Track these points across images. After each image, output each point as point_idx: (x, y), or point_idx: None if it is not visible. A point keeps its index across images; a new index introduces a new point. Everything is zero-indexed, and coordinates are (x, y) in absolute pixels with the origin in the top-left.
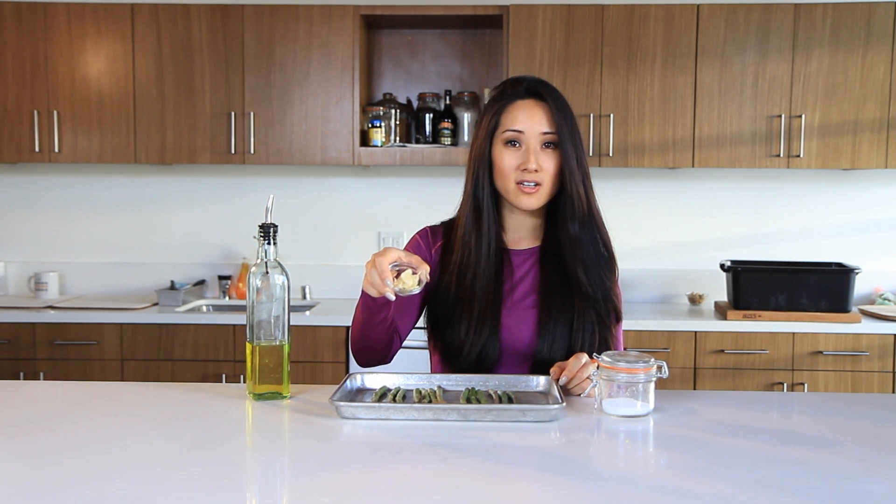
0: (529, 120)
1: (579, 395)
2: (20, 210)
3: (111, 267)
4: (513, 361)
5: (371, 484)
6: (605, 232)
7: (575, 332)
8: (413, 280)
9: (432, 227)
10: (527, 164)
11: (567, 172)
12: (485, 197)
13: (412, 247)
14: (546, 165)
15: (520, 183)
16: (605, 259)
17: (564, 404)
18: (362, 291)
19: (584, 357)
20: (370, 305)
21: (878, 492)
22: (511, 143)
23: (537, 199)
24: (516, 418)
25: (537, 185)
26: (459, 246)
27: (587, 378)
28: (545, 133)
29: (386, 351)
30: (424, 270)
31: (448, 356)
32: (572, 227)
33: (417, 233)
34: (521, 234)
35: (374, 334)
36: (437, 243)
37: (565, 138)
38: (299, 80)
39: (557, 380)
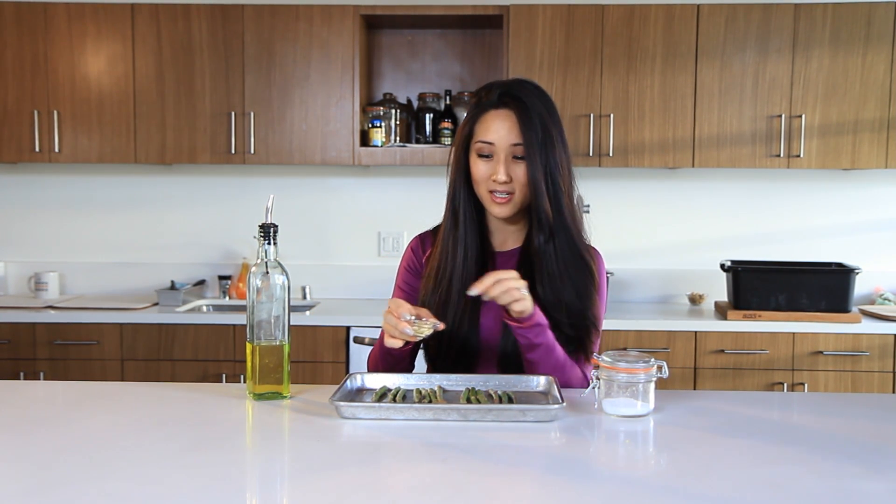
0: (498, 132)
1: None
2: (20, 210)
3: (111, 267)
4: (493, 358)
5: (371, 484)
6: (582, 244)
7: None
8: (427, 327)
9: (422, 236)
10: (496, 175)
11: (532, 184)
12: (461, 203)
13: (406, 260)
14: (517, 176)
15: (492, 192)
16: (576, 274)
17: (564, 404)
18: (380, 342)
19: (507, 273)
20: (391, 358)
21: (878, 492)
22: (483, 154)
23: (509, 209)
24: (516, 418)
25: (509, 194)
26: (438, 251)
27: (502, 290)
28: (515, 145)
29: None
30: (435, 321)
31: (429, 353)
32: (537, 238)
33: (410, 243)
34: (505, 236)
35: (395, 371)
36: (427, 253)
37: (533, 150)
38: (299, 80)
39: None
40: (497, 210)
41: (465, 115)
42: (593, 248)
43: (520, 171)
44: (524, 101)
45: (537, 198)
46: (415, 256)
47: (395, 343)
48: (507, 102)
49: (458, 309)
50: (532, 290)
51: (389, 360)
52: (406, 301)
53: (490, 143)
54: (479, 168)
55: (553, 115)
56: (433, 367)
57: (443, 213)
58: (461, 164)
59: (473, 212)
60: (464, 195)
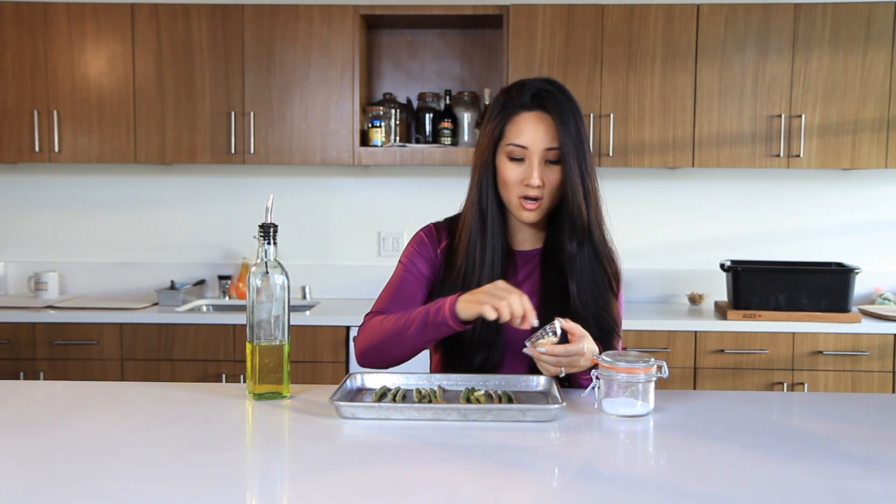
0: (533, 135)
1: (553, 373)
2: (20, 210)
3: (111, 267)
4: (515, 362)
5: (371, 484)
6: (606, 249)
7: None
8: (548, 338)
9: (436, 225)
10: (529, 179)
11: (569, 189)
12: (489, 205)
13: (417, 243)
14: (549, 180)
15: (523, 197)
16: (601, 278)
17: (564, 404)
18: (430, 314)
19: (584, 346)
20: (441, 330)
21: (878, 492)
22: (514, 157)
23: (537, 214)
24: (516, 418)
25: (538, 199)
26: (464, 252)
27: (561, 364)
28: (549, 149)
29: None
30: (552, 327)
31: (452, 357)
32: (570, 245)
33: (421, 230)
34: (525, 236)
35: (406, 351)
36: (443, 243)
37: (569, 153)
38: (299, 80)
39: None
40: (526, 216)
41: (491, 113)
42: (615, 251)
43: (552, 175)
44: (560, 103)
45: (572, 202)
46: (429, 243)
47: (492, 314)
48: (542, 104)
49: None
50: (562, 291)
51: (426, 336)
52: (413, 284)
53: (523, 147)
54: (509, 172)
55: (581, 117)
56: (456, 369)
57: (462, 210)
58: (489, 166)
59: (499, 214)
60: (492, 197)
